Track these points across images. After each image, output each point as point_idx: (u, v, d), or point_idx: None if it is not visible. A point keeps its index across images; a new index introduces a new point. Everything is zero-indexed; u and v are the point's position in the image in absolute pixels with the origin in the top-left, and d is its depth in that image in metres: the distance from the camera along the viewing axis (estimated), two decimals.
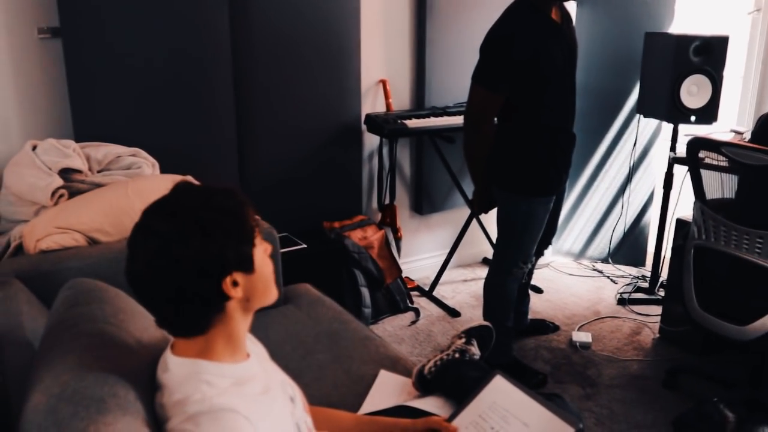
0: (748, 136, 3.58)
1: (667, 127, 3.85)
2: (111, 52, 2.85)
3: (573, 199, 4.40)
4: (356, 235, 3.49)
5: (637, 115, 3.98)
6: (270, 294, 1.32)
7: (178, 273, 1.17)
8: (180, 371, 1.25)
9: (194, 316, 1.23)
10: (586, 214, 4.43)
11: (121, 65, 2.87)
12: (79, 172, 2.59)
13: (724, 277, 2.66)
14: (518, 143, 2.70)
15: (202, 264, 1.18)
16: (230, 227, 1.21)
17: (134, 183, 2.50)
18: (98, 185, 2.58)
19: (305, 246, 3.30)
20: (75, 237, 2.29)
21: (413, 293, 3.86)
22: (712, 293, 2.69)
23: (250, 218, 1.26)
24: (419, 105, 3.84)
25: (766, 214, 2.47)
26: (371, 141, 3.76)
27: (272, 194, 3.44)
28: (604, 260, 4.44)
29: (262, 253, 1.28)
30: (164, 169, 2.82)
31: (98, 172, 2.71)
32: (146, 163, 2.79)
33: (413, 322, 3.59)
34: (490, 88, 2.60)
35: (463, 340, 1.96)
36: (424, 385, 1.88)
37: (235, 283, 1.22)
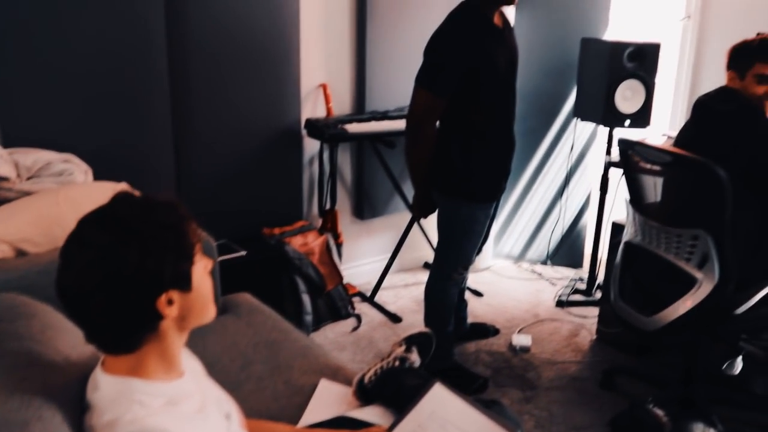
0: None
1: (603, 131, 3.93)
2: (38, 51, 2.73)
3: (512, 202, 4.45)
4: (297, 242, 3.45)
5: (574, 118, 4.06)
6: (207, 313, 1.28)
7: (111, 287, 1.13)
8: (110, 390, 1.20)
9: (125, 333, 1.19)
10: (525, 217, 4.49)
11: (49, 65, 2.77)
12: (7, 179, 2.49)
13: (644, 271, 2.73)
14: (459, 148, 2.71)
15: (137, 280, 1.14)
16: (169, 243, 1.17)
17: (65, 191, 2.41)
18: (27, 193, 2.48)
19: (245, 253, 3.25)
20: (1, 248, 2.20)
21: (355, 299, 3.84)
22: (632, 286, 2.76)
23: (190, 234, 1.22)
24: (360, 109, 3.83)
25: (676, 212, 2.55)
26: (312, 146, 3.73)
27: (211, 200, 3.38)
28: (543, 262, 4.50)
29: (201, 270, 1.25)
30: (98, 175, 2.73)
31: (27, 179, 2.61)
32: (78, 169, 2.70)
33: (355, 329, 3.57)
34: (433, 91, 2.60)
35: (403, 347, 1.95)
36: (365, 394, 1.87)
37: (170, 302, 1.18)
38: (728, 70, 2.61)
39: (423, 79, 2.61)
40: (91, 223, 1.17)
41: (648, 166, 2.58)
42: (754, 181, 2.45)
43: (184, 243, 1.20)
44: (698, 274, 2.39)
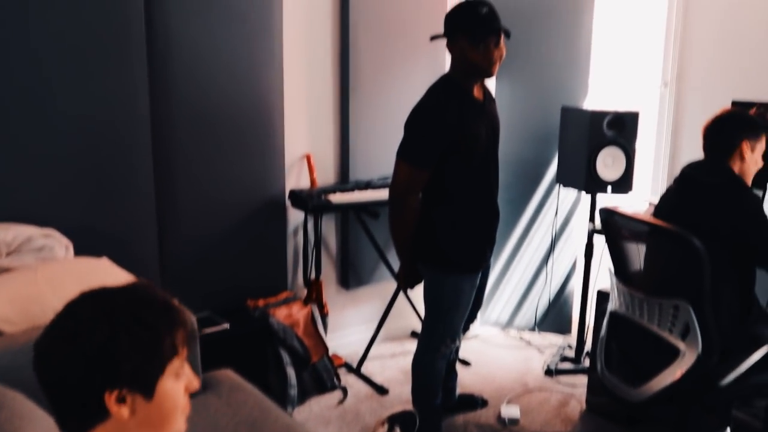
0: None
1: (586, 197, 3.95)
2: (19, 123, 2.73)
3: (499, 269, 4.44)
4: (281, 313, 3.41)
5: (557, 184, 4.09)
6: (168, 429, 1.23)
7: (71, 362, 1.12)
8: None
9: (74, 414, 1.16)
10: (512, 284, 4.47)
11: (31, 138, 2.77)
12: None
13: (629, 342, 2.71)
14: (442, 220, 2.71)
15: (95, 363, 1.12)
16: (142, 342, 1.15)
17: (44, 268, 2.39)
18: (6, 270, 2.45)
19: (228, 326, 3.20)
20: None
21: (341, 370, 3.78)
22: (618, 356, 2.73)
23: (174, 344, 1.19)
24: (344, 179, 3.85)
25: (657, 282, 2.54)
26: (296, 216, 3.72)
27: (194, 272, 3.36)
28: (531, 329, 4.47)
29: (174, 385, 1.20)
30: (79, 249, 2.71)
31: (7, 254, 2.58)
32: (59, 244, 2.68)
33: (341, 402, 3.50)
34: (414, 164, 2.61)
35: (386, 427, 1.90)
36: None
37: (122, 400, 1.14)
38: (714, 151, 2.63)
39: (404, 152, 2.63)
40: (89, 297, 1.19)
41: (628, 235, 2.59)
42: (737, 255, 2.46)
43: (159, 348, 1.17)
44: (681, 345, 2.38)
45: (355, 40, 3.72)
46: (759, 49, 3.68)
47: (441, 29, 2.65)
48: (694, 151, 3.95)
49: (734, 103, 3.59)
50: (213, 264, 3.42)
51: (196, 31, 3.20)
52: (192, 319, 1.25)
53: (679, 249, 2.37)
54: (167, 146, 3.19)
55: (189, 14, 3.17)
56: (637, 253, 2.63)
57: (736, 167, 2.57)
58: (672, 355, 2.39)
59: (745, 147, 2.54)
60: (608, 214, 2.64)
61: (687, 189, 2.62)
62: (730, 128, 2.56)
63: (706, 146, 2.62)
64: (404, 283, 2.94)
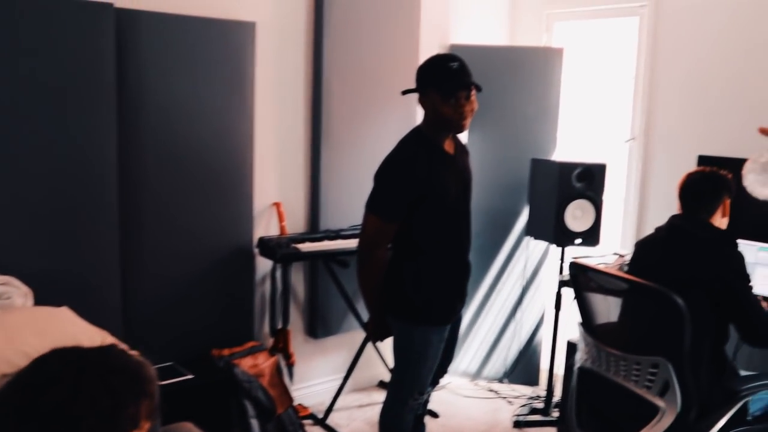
0: (629, 259, 3.72)
1: (556, 249, 3.97)
2: None
3: (468, 318, 4.41)
4: (246, 363, 3.35)
5: (527, 236, 4.10)
6: None
7: (25, 414, 1.10)
8: None
9: None
10: (481, 334, 4.45)
11: None
12: None
13: (601, 398, 2.69)
14: (412, 272, 2.69)
15: (48, 420, 1.09)
16: (103, 407, 1.13)
17: (1, 317, 2.32)
18: None
19: (191, 376, 3.13)
20: None
21: (306, 422, 3.70)
22: (589, 413, 2.71)
23: (135, 414, 1.17)
24: (314, 227, 3.83)
25: (634, 339, 2.54)
26: (264, 264, 3.68)
27: (159, 320, 3.30)
28: (500, 380, 4.43)
29: None
30: (39, 298, 2.65)
31: None
32: (18, 292, 2.62)
33: None
34: (383, 217, 2.60)
35: None
36: None
37: None
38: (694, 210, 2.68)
39: (373, 205, 2.61)
40: (58, 353, 1.18)
41: (602, 290, 2.59)
42: (721, 310, 2.50)
43: (119, 417, 1.15)
44: (660, 403, 2.36)
45: (328, 90, 3.74)
46: (723, 105, 3.76)
47: (413, 81, 2.67)
48: (661, 205, 4.04)
49: (701, 158, 3.66)
50: (178, 312, 3.36)
51: (167, 79, 3.20)
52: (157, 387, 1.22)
53: (660, 306, 2.38)
54: (135, 193, 3.16)
55: (161, 63, 3.18)
56: (607, 309, 2.63)
57: (716, 223, 2.66)
58: (650, 412, 2.38)
59: (726, 205, 2.67)
60: (578, 269, 2.65)
61: (677, 241, 2.64)
62: (713, 187, 2.66)
63: (687, 203, 2.68)
64: (373, 335, 2.90)
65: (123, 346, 1.40)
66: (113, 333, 2.39)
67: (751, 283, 2.53)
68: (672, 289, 2.28)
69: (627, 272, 2.85)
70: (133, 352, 1.36)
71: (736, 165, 3.53)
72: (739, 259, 2.53)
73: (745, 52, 3.66)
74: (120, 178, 3.07)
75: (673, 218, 2.70)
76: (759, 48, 3.61)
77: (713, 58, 3.80)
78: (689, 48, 3.91)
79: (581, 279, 2.67)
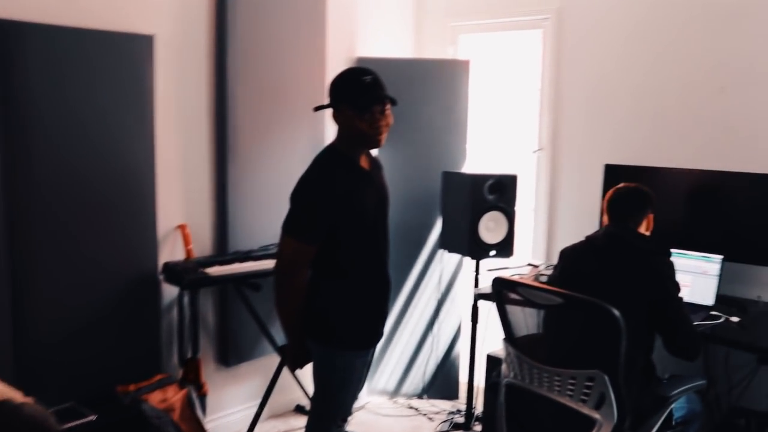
0: (543, 268, 3.75)
1: (470, 261, 3.95)
2: None
3: (384, 335, 4.31)
4: (155, 398, 3.14)
5: (440, 249, 4.07)
6: None
7: None
8: None
9: None
10: (398, 350, 4.38)
11: None
12: None
13: (533, 415, 2.66)
14: (332, 294, 2.57)
15: None
16: None
17: None
18: None
19: (94, 417, 2.90)
20: None
21: None
22: (520, 428, 2.68)
23: None
24: (222, 249, 3.65)
25: (566, 352, 2.52)
26: (170, 291, 3.48)
27: (56, 358, 3.05)
28: (419, 396, 4.37)
29: None
30: None
31: None
32: None
33: None
34: (301, 239, 2.47)
35: None
36: None
37: None
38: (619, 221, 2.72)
39: (290, 226, 2.48)
40: None
41: (528, 304, 2.55)
42: (655, 319, 2.54)
43: None
44: (596, 415, 2.34)
45: (233, 105, 3.59)
46: (628, 114, 3.85)
47: (321, 95, 2.57)
48: (571, 214, 4.09)
49: (607, 167, 3.72)
50: (78, 349, 3.12)
51: (58, 95, 2.98)
52: None
53: (596, 319, 2.36)
54: (24, 221, 2.92)
55: (51, 78, 2.96)
56: (530, 321, 2.60)
57: None
58: (586, 425, 2.36)
59: (650, 219, 2.75)
60: (506, 286, 2.60)
61: (615, 250, 2.64)
62: (640, 201, 2.74)
63: (615, 215, 2.73)
64: (292, 363, 2.76)
65: (14, 393, 1.22)
66: (2, 375, 2.16)
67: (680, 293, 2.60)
68: (607, 300, 2.27)
69: (552, 282, 2.84)
70: (27, 399, 1.20)
71: (641, 174, 3.63)
72: (672, 268, 2.60)
73: (647, 62, 3.76)
74: (5, 202, 2.82)
75: (609, 227, 2.72)
76: (660, 57, 3.71)
77: (616, 68, 3.89)
78: (592, 59, 3.99)
79: (505, 293, 2.62)
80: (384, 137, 2.52)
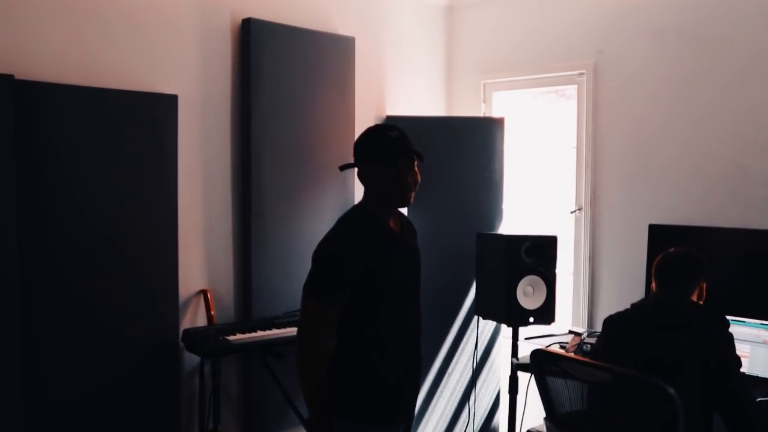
0: (586, 336, 3.51)
1: (507, 328, 3.73)
2: None
3: (419, 405, 4.09)
4: None
5: (476, 315, 3.86)
6: None
7: None
8: None
9: None
10: (432, 424, 4.14)
11: None
12: None
13: None
14: (358, 363, 2.38)
15: None
16: None
17: None
18: None
19: None
20: None
21: None
22: None
23: None
24: (245, 316, 3.50)
25: None
26: (192, 359, 3.32)
27: (68, 423, 2.92)
28: None
29: None
30: None
31: None
32: None
33: None
34: (324, 302, 2.30)
35: None
36: None
37: None
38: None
39: (312, 287, 2.31)
40: None
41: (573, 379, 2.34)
42: (712, 394, 2.32)
43: None
44: None
45: (258, 166, 3.49)
46: (670, 171, 3.65)
47: (349, 155, 2.43)
48: (613, 278, 3.87)
49: (651, 227, 3.51)
50: (91, 415, 2.98)
51: (80, 155, 2.95)
52: None
53: (649, 398, 2.15)
54: (39, 283, 2.84)
55: (72, 138, 2.92)
56: (575, 395, 2.37)
57: None
58: None
59: (702, 288, 2.56)
60: (548, 360, 2.39)
61: (664, 319, 2.44)
62: (693, 268, 2.55)
63: (665, 283, 2.53)
64: None
65: None
66: None
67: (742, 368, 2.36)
68: (660, 376, 2.04)
69: (595, 354, 2.62)
70: None
71: (689, 234, 3.41)
72: (732, 340, 2.38)
73: (689, 116, 3.59)
74: (21, 267, 2.73)
75: (658, 296, 2.52)
76: (702, 110, 3.53)
77: (656, 123, 3.71)
78: (631, 114, 3.83)
79: (546, 366, 2.41)
80: (413, 195, 2.37)
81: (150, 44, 3.21)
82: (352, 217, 2.42)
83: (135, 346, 3.11)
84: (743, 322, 3.07)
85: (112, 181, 3.03)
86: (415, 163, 2.37)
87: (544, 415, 2.54)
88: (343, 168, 2.50)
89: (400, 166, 2.32)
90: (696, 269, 2.53)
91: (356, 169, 2.43)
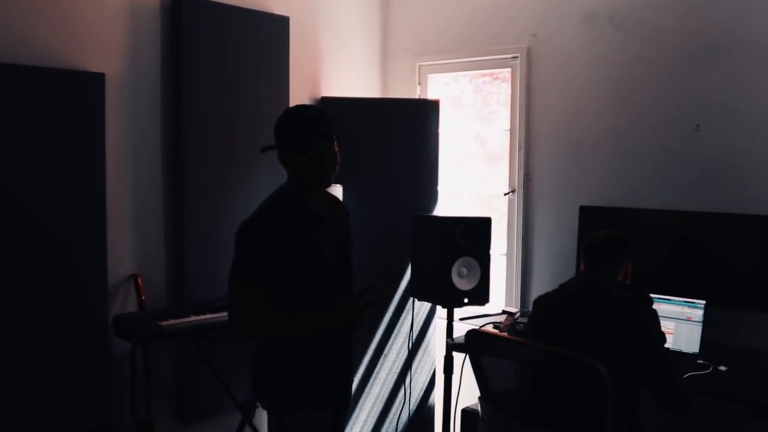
0: (519, 316, 3.57)
1: (442, 309, 3.76)
2: None
3: (355, 387, 4.10)
4: None
5: (411, 297, 3.88)
6: None
7: None
8: None
9: None
10: (368, 405, 4.15)
11: None
12: None
13: None
14: (281, 349, 2.35)
15: None
16: None
17: None
18: None
19: None
20: None
21: None
22: None
23: None
24: (178, 301, 3.43)
25: (548, 411, 2.33)
26: (122, 345, 3.24)
27: None
28: None
29: None
30: None
31: None
32: None
33: None
34: (251, 280, 2.22)
35: None
36: None
37: None
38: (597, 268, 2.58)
39: (237, 269, 2.24)
40: None
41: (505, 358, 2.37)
42: (641, 371, 2.39)
43: None
44: None
45: (190, 147, 3.42)
46: (602, 155, 3.73)
47: None
48: (546, 258, 3.93)
49: (582, 209, 3.59)
50: (15, 407, 2.89)
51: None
52: None
53: (580, 376, 2.19)
54: None
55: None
56: (508, 372, 2.41)
57: None
58: None
59: (628, 269, 2.62)
60: (482, 341, 2.42)
61: (593, 299, 2.49)
62: (619, 249, 2.60)
63: (593, 263, 2.58)
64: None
65: None
66: None
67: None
68: (589, 354, 2.09)
69: (527, 334, 2.66)
70: None
71: (618, 215, 3.50)
72: (656, 317, 2.45)
73: (620, 100, 3.66)
74: None
75: (585, 275, 2.57)
76: (633, 95, 3.61)
77: (588, 107, 3.78)
78: (563, 99, 3.88)
79: (481, 346, 2.44)
80: (332, 176, 2.35)
81: (75, 20, 3.08)
82: (274, 199, 2.38)
83: (61, 333, 3.01)
84: (669, 300, 3.18)
85: (35, 163, 2.91)
86: (335, 143, 2.34)
87: (478, 394, 2.58)
88: (264, 150, 2.44)
89: (318, 146, 2.29)
90: (621, 250, 2.59)
91: (277, 151, 2.39)
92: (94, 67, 3.10)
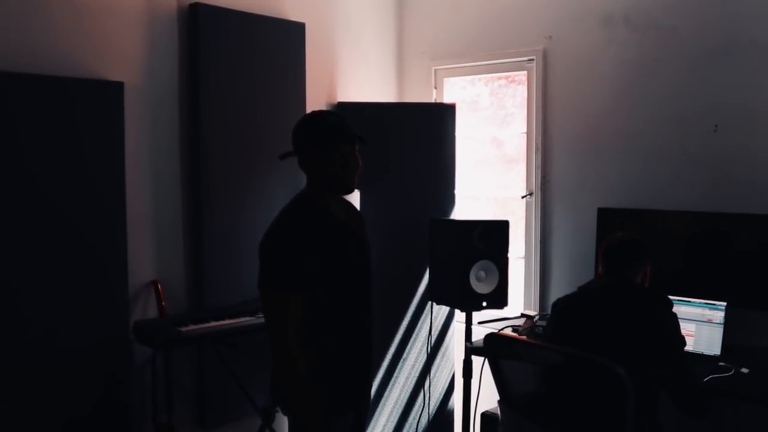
0: (537, 319, 3.56)
1: (461, 312, 3.75)
2: None
3: (374, 390, 4.10)
4: None
5: (429, 301, 3.88)
6: None
7: None
8: None
9: None
10: (388, 409, 4.15)
11: None
12: None
13: None
14: (304, 354, 2.34)
15: None
16: None
17: None
18: None
19: None
20: None
21: None
22: None
23: None
24: (198, 306, 3.45)
25: (567, 414, 2.32)
26: (143, 351, 3.26)
27: (13, 422, 2.83)
28: None
29: None
30: None
31: None
32: None
33: None
34: (283, 290, 2.20)
35: None
36: None
37: None
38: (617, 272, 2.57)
39: (266, 280, 2.23)
40: None
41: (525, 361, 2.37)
42: (660, 374, 2.38)
43: None
44: None
45: (209, 154, 3.45)
46: (619, 156, 3.71)
47: None
48: (565, 261, 3.92)
49: (600, 210, 3.57)
50: (37, 412, 2.91)
51: (21, 143, 2.85)
52: None
53: (600, 379, 2.18)
54: None
55: (9, 127, 2.82)
56: (528, 376, 2.41)
57: None
58: None
59: (647, 272, 2.60)
60: (500, 344, 2.41)
61: (612, 301, 2.48)
62: (639, 252, 2.58)
63: (612, 266, 2.57)
64: None
65: None
66: None
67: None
68: (609, 357, 2.08)
69: (545, 337, 2.65)
70: None
71: (636, 216, 3.48)
72: (676, 321, 2.43)
73: (637, 102, 3.65)
74: None
75: (604, 278, 2.56)
76: (650, 96, 3.60)
77: (605, 109, 3.77)
78: (580, 100, 3.87)
79: (500, 350, 2.44)
80: (355, 180, 2.35)
81: (94, 30, 3.12)
82: (295, 206, 2.37)
83: (83, 339, 3.04)
84: (689, 302, 3.16)
85: (55, 172, 2.95)
86: (356, 147, 2.35)
87: (498, 398, 2.58)
88: (283, 157, 2.43)
89: (342, 150, 2.29)
90: (641, 253, 2.58)
91: (296, 158, 2.39)
92: (113, 76, 3.14)
